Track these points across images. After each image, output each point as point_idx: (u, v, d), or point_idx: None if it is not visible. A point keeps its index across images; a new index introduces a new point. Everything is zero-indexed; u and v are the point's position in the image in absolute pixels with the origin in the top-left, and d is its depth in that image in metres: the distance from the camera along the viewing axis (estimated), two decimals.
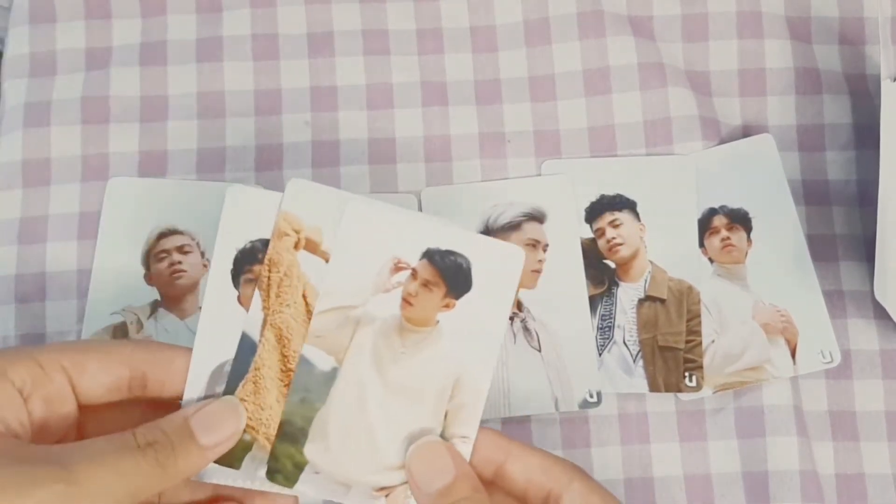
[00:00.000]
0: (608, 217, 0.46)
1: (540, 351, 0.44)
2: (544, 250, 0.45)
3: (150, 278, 0.44)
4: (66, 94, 0.47)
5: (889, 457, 0.44)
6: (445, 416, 0.34)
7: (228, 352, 0.34)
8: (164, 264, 0.45)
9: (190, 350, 0.33)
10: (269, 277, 0.34)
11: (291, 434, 0.34)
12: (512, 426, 0.44)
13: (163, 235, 0.45)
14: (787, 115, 0.48)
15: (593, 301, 0.45)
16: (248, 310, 0.34)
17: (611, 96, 0.48)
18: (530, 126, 0.48)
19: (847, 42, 0.49)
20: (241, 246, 0.34)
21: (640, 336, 0.44)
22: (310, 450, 0.34)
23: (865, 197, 0.47)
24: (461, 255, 0.35)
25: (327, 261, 0.34)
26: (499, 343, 0.35)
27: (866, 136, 0.48)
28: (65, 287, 0.45)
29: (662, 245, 0.46)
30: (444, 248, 0.35)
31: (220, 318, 0.34)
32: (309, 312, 0.34)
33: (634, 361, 0.44)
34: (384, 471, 0.34)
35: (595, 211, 0.46)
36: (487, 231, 0.45)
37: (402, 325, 0.35)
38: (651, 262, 0.45)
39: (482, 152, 0.47)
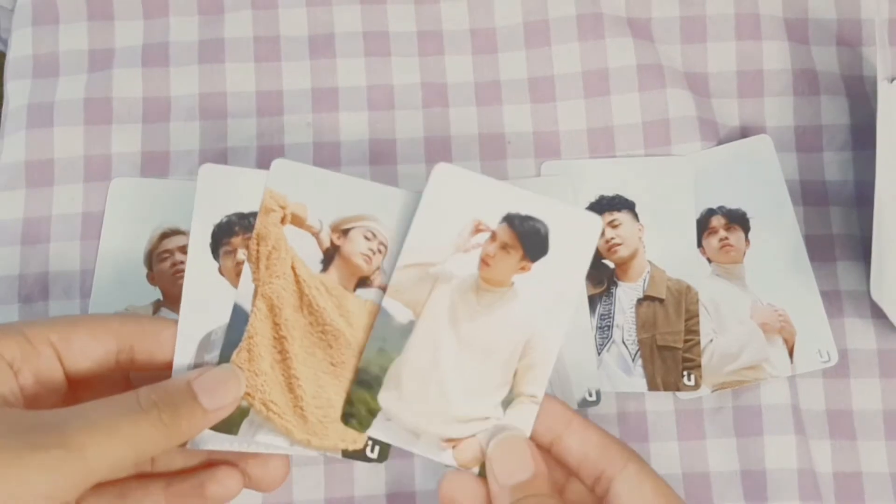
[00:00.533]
0: (607, 217, 0.46)
1: None
2: None
3: (152, 278, 0.45)
4: (68, 95, 0.48)
5: (886, 455, 0.44)
6: (515, 374, 0.36)
7: (214, 321, 0.35)
8: (167, 264, 0.45)
9: (176, 322, 0.34)
10: (257, 251, 0.36)
11: (367, 381, 0.36)
12: None
13: (165, 236, 0.45)
14: (784, 116, 0.48)
15: (592, 301, 0.45)
16: (229, 281, 0.36)
17: (610, 98, 0.48)
18: (530, 127, 0.48)
19: (844, 44, 0.50)
20: (217, 221, 0.36)
21: (639, 335, 0.45)
22: (384, 397, 0.35)
23: (862, 197, 0.47)
24: (539, 221, 0.36)
25: (314, 235, 0.36)
26: (572, 307, 0.36)
27: (863, 136, 0.48)
28: (68, 287, 0.45)
29: (661, 245, 0.46)
30: (523, 213, 0.36)
31: (204, 290, 0.35)
32: (298, 282, 0.35)
33: (633, 361, 0.44)
34: (453, 423, 0.35)
35: (594, 211, 0.46)
36: None
37: (478, 284, 0.36)
38: (650, 263, 0.46)
39: (482, 153, 0.47)
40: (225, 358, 0.35)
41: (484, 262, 0.36)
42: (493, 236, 0.36)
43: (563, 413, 0.34)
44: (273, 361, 0.35)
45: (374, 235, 0.37)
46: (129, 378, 0.35)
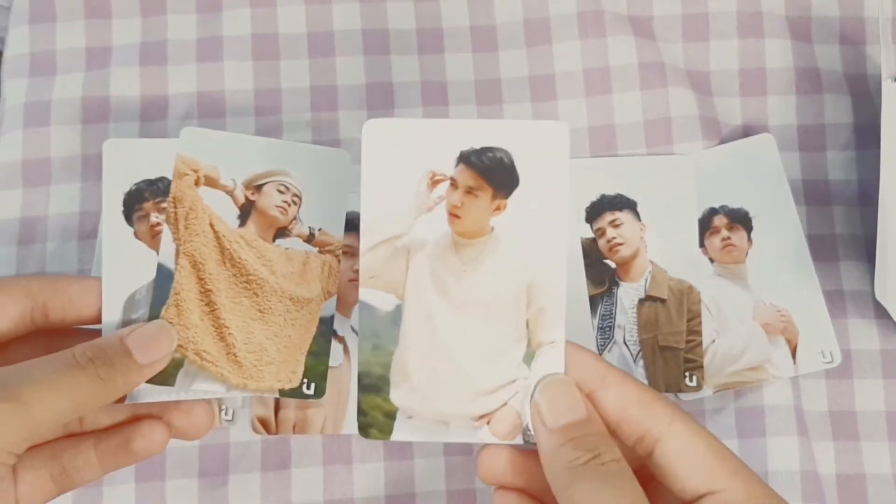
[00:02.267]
0: (608, 217, 0.46)
1: None
2: None
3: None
4: (66, 94, 0.47)
5: (890, 457, 0.44)
6: (527, 325, 0.33)
7: (136, 282, 0.37)
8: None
9: (84, 278, 0.36)
10: (175, 213, 0.38)
11: (372, 385, 0.33)
12: None
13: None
14: (787, 115, 0.48)
15: (594, 301, 0.45)
16: (146, 243, 0.38)
17: (611, 96, 0.48)
18: None
19: (848, 42, 0.49)
20: (126, 189, 0.39)
21: (641, 336, 0.44)
22: (396, 396, 0.33)
23: (866, 197, 0.47)
24: (499, 150, 0.32)
25: (228, 193, 0.39)
26: (565, 235, 0.32)
27: (867, 136, 0.48)
28: None
29: (663, 245, 0.46)
30: (478, 146, 0.32)
31: (121, 253, 0.38)
32: (218, 238, 0.38)
33: (635, 361, 0.44)
34: (479, 397, 0.33)
35: (595, 211, 0.46)
36: None
37: (455, 241, 0.33)
38: (651, 262, 0.45)
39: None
40: (154, 315, 0.36)
41: (452, 215, 0.33)
42: (454, 183, 0.33)
43: (595, 366, 0.31)
44: (202, 314, 0.37)
45: (287, 188, 0.39)
46: (52, 339, 0.35)
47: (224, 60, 0.48)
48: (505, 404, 0.33)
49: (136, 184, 0.39)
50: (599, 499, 0.28)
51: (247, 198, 0.39)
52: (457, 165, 0.32)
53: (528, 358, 0.33)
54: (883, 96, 0.43)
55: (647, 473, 0.31)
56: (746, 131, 0.48)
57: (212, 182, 0.38)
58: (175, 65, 0.48)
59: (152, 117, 0.47)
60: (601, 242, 0.45)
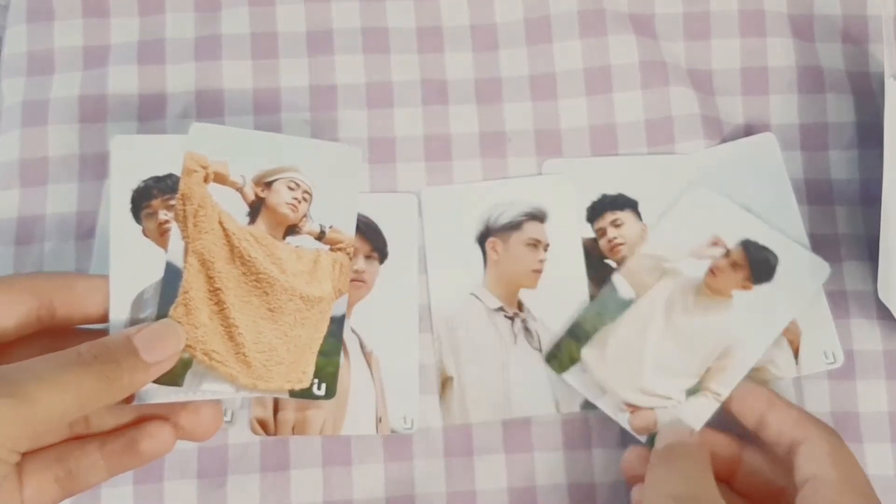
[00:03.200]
0: (609, 217, 0.45)
1: (541, 351, 0.44)
2: (545, 250, 0.45)
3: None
4: (63, 93, 0.47)
5: (892, 458, 0.44)
6: (707, 371, 0.41)
7: (144, 281, 0.37)
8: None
9: (91, 276, 0.36)
10: (184, 210, 0.37)
11: (577, 334, 0.42)
12: (512, 427, 0.43)
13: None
14: (789, 114, 0.48)
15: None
16: (153, 241, 0.38)
17: (612, 95, 0.47)
18: (531, 125, 0.47)
19: (850, 40, 0.49)
20: (134, 186, 0.38)
21: None
22: (587, 352, 0.42)
23: (868, 196, 0.47)
24: (772, 253, 0.43)
25: (237, 190, 0.38)
26: (778, 332, 0.42)
27: (869, 135, 0.48)
28: None
29: None
30: (761, 242, 0.43)
31: (129, 251, 0.37)
32: (227, 236, 0.37)
33: None
34: (638, 392, 0.41)
35: (596, 210, 0.46)
36: (487, 231, 0.45)
37: (701, 288, 0.42)
38: None
39: (483, 151, 0.47)
40: (162, 314, 0.36)
41: (712, 272, 0.42)
42: (728, 253, 0.43)
43: (766, 395, 0.39)
44: (210, 313, 0.36)
45: (298, 185, 0.38)
46: (56, 340, 0.35)
47: (223, 59, 0.48)
48: (652, 409, 0.41)
49: (143, 181, 0.38)
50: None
51: (256, 195, 0.38)
52: (738, 244, 0.43)
53: (690, 392, 0.41)
54: (886, 95, 0.42)
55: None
56: (748, 130, 0.48)
57: (221, 178, 0.38)
58: (173, 63, 0.48)
59: (150, 116, 0.47)
60: (602, 242, 0.45)
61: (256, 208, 0.38)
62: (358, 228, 0.44)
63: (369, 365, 0.43)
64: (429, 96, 0.47)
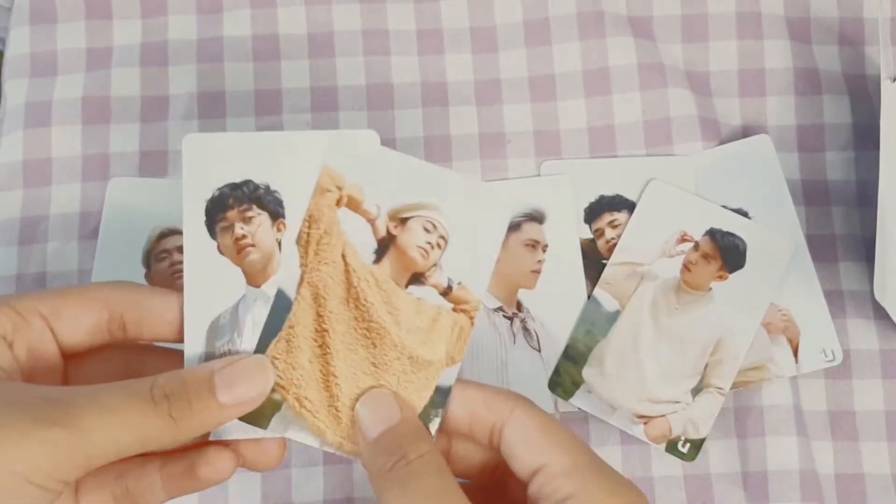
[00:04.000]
0: (607, 217, 0.46)
1: (539, 351, 0.44)
2: (544, 251, 0.45)
3: (150, 278, 0.44)
4: (66, 94, 0.47)
5: (888, 457, 0.44)
6: (705, 367, 0.42)
7: (221, 305, 0.33)
8: (165, 264, 0.45)
9: (166, 291, 0.32)
10: (308, 233, 0.33)
11: (574, 356, 0.43)
12: None
13: (163, 236, 0.45)
14: (786, 116, 0.48)
15: None
16: (230, 259, 0.33)
17: (611, 97, 0.48)
18: (530, 126, 0.48)
19: (847, 42, 0.49)
20: (208, 196, 0.33)
21: None
22: (587, 373, 0.42)
23: (865, 197, 0.47)
24: (739, 238, 0.43)
25: (369, 221, 0.33)
26: (762, 315, 0.43)
27: (866, 136, 0.48)
28: None
29: None
30: (725, 229, 0.43)
31: (206, 271, 0.33)
32: (347, 272, 0.33)
33: None
34: (646, 402, 0.42)
35: (594, 211, 0.46)
36: None
37: (679, 286, 0.43)
38: None
39: (482, 152, 0.47)
40: (263, 346, 0.32)
41: (686, 267, 0.43)
42: (697, 246, 0.43)
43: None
44: (312, 355, 0.33)
45: (435, 227, 0.33)
46: (131, 356, 0.33)
47: (224, 61, 0.48)
48: (663, 416, 0.41)
49: (218, 189, 0.33)
50: (405, 497, 0.29)
51: (388, 230, 0.33)
52: (704, 235, 0.44)
53: (695, 392, 0.42)
54: (882, 97, 0.43)
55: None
56: (746, 132, 0.48)
57: (354, 205, 0.33)
58: (175, 65, 0.48)
59: (153, 118, 0.47)
60: (600, 243, 0.45)
61: (385, 245, 0.33)
62: None
63: None
64: (429, 98, 0.48)
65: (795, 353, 0.44)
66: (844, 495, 0.43)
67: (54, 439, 0.26)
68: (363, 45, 0.48)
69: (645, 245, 0.44)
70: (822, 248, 0.46)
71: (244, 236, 0.33)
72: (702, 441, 0.42)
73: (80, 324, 0.31)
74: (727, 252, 0.43)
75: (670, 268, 0.43)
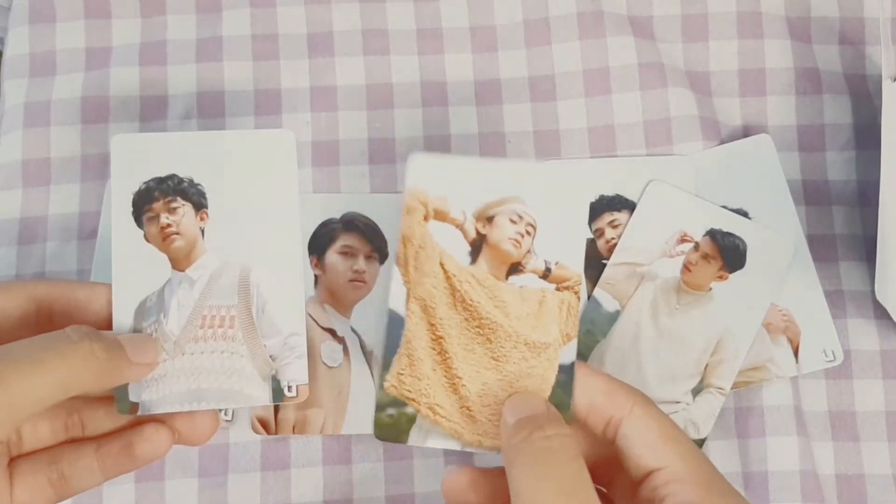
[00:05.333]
0: (607, 217, 0.46)
1: None
2: None
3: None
4: (65, 94, 0.47)
5: (889, 457, 0.44)
6: (706, 368, 0.42)
7: (147, 288, 0.36)
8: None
9: (92, 283, 0.35)
10: (404, 253, 0.35)
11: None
12: None
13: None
14: (787, 116, 0.48)
15: None
16: (156, 247, 0.36)
17: (611, 96, 0.48)
18: (530, 126, 0.47)
19: (847, 42, 0.49)
20: (136, 189, 0.36)
21: None
22: None
23: (865, 197, 0.47)
24: (739, 238, 0.43)
25: (458, 227, 0.35)
26: (762, 315, 0.43)
27: (866, 136, 0.48)
28: None
29: None
30: (726, 229, 0.43)
31: (132, 257, 0.36)
32: (448, 279, 0.35)
33: None
34: None
35: (594, 211, 0.46)
36: None
37: (680, 286, 0.43)
38: None
39: (482, 152, 0.47)
40: (386, 364, 0.34)
41: (686, 268, 0.43)
42: (697, 247, 0.43)
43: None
44: (434, 363, 0.34)
45: (521, 217, 0.35)
46: None
47: (224, 61, 0.48)
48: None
49: (144, 182, 0.37)
50: (536, 472, 0.29)
51: (478, 231, 0.35)
52: (704, 235, 0.43)
53: (696, 392, 0.42)
54: (883, 96, 0.43)
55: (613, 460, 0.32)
56: (746, 131, 0.48)
57: (441, 216, 0.35)
58: (175, 65, 0.48)
59: (152, 117, 0.47)
60: (600, 243, 0.45)
61: (478, 246, 0.35)
62: (358, 228, 0.44)
63: (369, 365, 0.43)
64: (429, 97, 0.48)
65: (796, 354, 0.44)
66: (845, 496, 0.43)
67: None
68: (363, 44, 0.48)
69: (645, 245, 0.44)
70: (822, 248, 0.46)
71: (169, 225, 0.36)
72: (702, 441, 0.42)
73: (5, 317, 0.32)
74: (727, 252, 0.43)
75: (670, 268, 0.43)
